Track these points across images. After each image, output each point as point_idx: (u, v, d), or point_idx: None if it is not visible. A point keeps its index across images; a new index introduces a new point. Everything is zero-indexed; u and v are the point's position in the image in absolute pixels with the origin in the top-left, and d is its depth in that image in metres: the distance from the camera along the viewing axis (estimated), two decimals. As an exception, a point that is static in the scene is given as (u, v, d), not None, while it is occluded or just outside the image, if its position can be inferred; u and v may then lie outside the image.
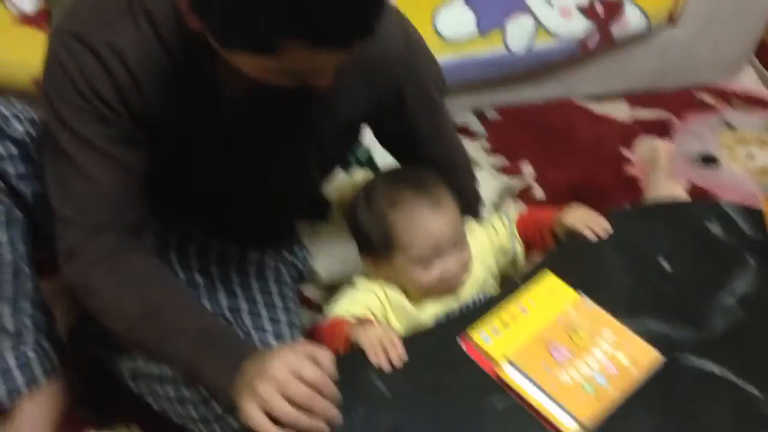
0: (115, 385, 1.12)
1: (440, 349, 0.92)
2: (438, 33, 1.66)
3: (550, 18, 1.70)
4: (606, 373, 0.87)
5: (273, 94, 0.86)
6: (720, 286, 0.99)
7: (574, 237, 1.06)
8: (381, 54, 0.96)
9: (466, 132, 1.83)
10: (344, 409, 0.82)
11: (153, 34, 0.87)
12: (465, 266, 1.05)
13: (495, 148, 1.80)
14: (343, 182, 1.69)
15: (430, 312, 1.04)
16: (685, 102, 1.95)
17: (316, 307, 1.45)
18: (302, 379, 0.80)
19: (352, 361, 0.90)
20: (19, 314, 1.10)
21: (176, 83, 0.90)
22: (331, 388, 0.82)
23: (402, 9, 1.02)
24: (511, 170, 1.75)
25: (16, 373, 1.10)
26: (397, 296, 1.05)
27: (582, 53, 1.78)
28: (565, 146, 1.82)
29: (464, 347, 0.91)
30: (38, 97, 0.92)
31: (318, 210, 1.62)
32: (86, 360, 1.19)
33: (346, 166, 1.71)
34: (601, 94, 1.94)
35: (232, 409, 0.89)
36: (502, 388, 0.87)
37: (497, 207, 1.64)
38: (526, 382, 0.86)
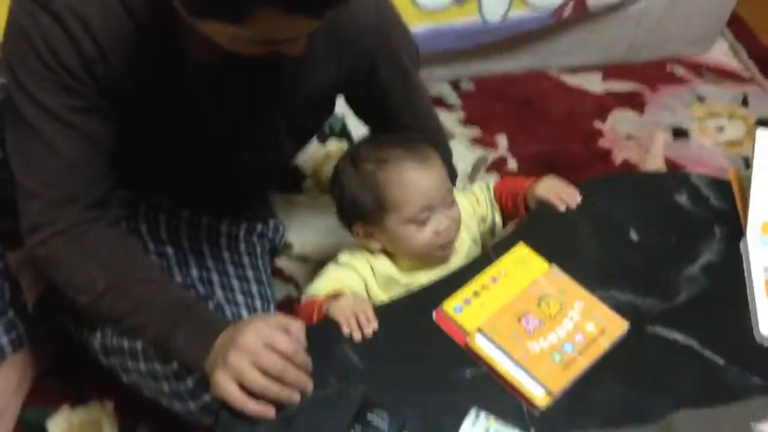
0: (86, 357, 1.11)
1: (412, 320, 0.92)
2: (414, 2, 1.64)
3: (525, -13, 1.69)
4: (574, 341, 0.88)
5: (242, 63, 0.85)
6: (687, 257, 1.00)
7: (545, 207, 1.06)
8: (352, 23, 0.95)
9: (441, 103, 1.83)
10: (317, 380, 0.83)
11: (118, 0, 0.84)
12: (456, 222, 1.05)
13: (469, 120, 1.80)
14: (317, 153, 1.68)
15: (422, 281, 1.03)
16: (657, 74, 1.96)
17: (290, 280, 1.45)
18: (274, 350, 0.80)
19: (324, 333, 0.90)
20: (-16, 286, 1.08)
21: (142, 52, 0.88)
22: (303, 358, 0.82)
23: (377, -23, 1.00)
24: (485, 141, 1.75)
25: (-18, 345, 1.08)
26: (385, 268, 1.05)
27: (556, 23, 1.77)
28: (539, 118, 1.82)
29: (435, 317, 0.92)
30: (-1, 64, 0.90)
31: (292, 181, 1.61)
32: (56, 332, 1.18)
33: (320, 137, 1.70)
34: (576, 66, 1.94)
35: (203, 382, 0.89)
36: (472, 357, 0.88)
37: (471, 178, 1.65)
38: (496, 351, 0.87)
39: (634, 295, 0.95)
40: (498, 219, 1.16)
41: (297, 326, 0.83)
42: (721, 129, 1.83)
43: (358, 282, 1.04)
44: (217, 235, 1.20)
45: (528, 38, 1.83)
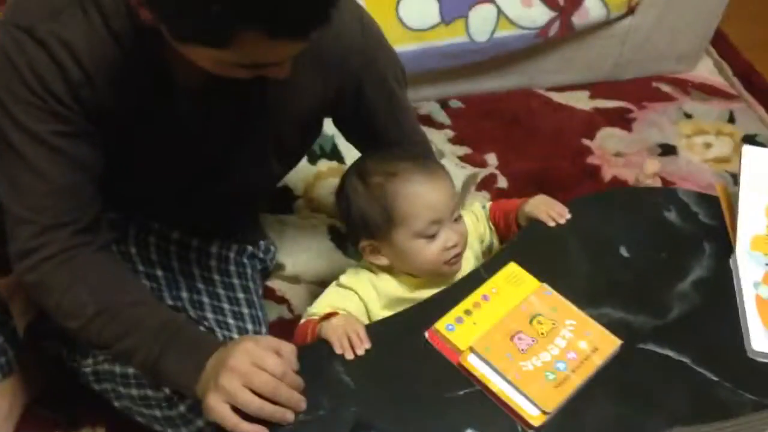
0: (79, 384, 1.10)
1: (404, 339, 0.92)
2: (401, 21, 1.66)
3: (512, 7, 1.71)
4: (567, 360, 0.88)
5: (228, 88, 0.85)
6: (677, 273, 1.00)
7: (536, 225, 1.07)
8: (338, 45, 0.95)
9: (430, 121, 1.83)
10: (309, 402, 0.82)
11: (103, 24, 0.84)
12: (464, 237, 1.04)
13: (458, 138, 1.81)
14: (308, 174, 1.68)
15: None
16: (644, 92, 1.97)
17: (283, 300, 1.44)
18: (265, 371, 0.79)
19: (317, 353, 0.89)
20: (-27, 312, 1.07)
21: (128, 77, 0.88)
22: (294, 378, 0.82)
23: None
24: (474, 159, 1.76)
25: (-28, 371, 1.07)
26: (389, 287, 1.05)
27: (543, 41, 1.79)
28: (527, 136, 1.83)
29: (427, 336, 0.92)
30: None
31: (283, 202, 1.61)
32: (47, 358, 1.16)
33: (311, 157, 1.70)
34: (563, 84, 1.96)
35: (195, 407, 0.88)
36: (465, 376, 0.87)
37: (461, 197, 1.65)
38: (489, 370, 0.87)
39: (626, 312, 0.95)
40: (495, 240, 1.16)
41: (288, 347, 0.83)
42: (708, 146, 1.84)
43: (357, 305, 1.03)
44: (207, 257, 1.20)
45: (515, 57, 1.84)
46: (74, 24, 0.84)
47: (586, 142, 1.82)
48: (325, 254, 1.53)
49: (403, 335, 0.93)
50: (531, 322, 0.92)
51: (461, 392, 0.86)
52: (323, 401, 0.84)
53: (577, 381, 0.86)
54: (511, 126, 1.85)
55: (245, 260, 1.26)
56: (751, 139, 1.85)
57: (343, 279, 1.07)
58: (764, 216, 1.05)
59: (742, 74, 2.02)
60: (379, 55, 1.04)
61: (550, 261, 1.02)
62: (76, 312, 0.88)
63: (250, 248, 1.29)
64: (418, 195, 1.00)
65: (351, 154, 1.67)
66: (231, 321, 1.13)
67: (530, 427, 0.83)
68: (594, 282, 1.00)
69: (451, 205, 1.02)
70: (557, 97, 1.94)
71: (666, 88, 2.00)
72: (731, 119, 1.91)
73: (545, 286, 0.96)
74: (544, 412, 0.83)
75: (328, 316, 0.96)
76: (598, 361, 0.88)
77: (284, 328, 1.37)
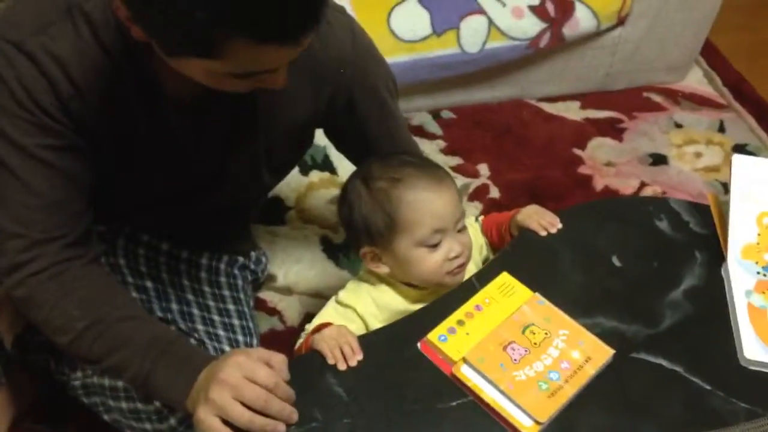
0: (67, 397, 1.09)
1: (397, 350, 0.92)
2: (393, 33, 1.67)
3: (503, 18, 1.72)
4: (560, 370, 0.88)
5: (219, 100, 0.85)
6: (669, 282, 1.01)
7: (527, 234, 1.07)
8: (329, 56, 0.95)
9: (422, 132, 1.84)
10: (301, 414, 0.81)
11: (92, 37, 0.84)
12: (468, 248, 1.03)
13: (450, 148, 1.82)
14: (300, 184, 1.68)
15: None
16: (634, 102, 1.99)
17: (275, 312, 1.44)
18: (256, 383, 0.79)
19: (309, 364, 0.89)
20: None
21: (118, 89, 0.87)
22: (285, 390, 0.81)
23: (357, 8, 1.01)
24: (466, 170, 1.76)
25: (-42, 385, 1.06)
26: (389, 299, 1.04)
27: (534, 52, 1.80)
28: (519, 146, 1.84)
29: (420, 347, 0.91)
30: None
31: (275, 213, 1.61)
32: (36, 371, 1.15)
33: (302, 168, 1.70)
34: (554, 95, 1.97)
35: (186, 421, 0.87)
36: (458, 387, 0.87)
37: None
38: (482, 380, 0.86)
39: (619, 321, 0.95)
40: (489, 254, 1.16)
41: (278, 359, 0.82)
42: (699, 155, 1.85)
43: (357, 325, 1.02)
44: (198, 269, 1.19)
45: (507, 68, 1.85)
46: (64, 37, 0.83)
47: (577, 151, 1.83)
48: (317, 265, 1.53)
49: (396, 346, 0.92)
50: (524, 331, 0.91)
51: (454, 403, 0.86)
52: (316, 413, 0.83)
53: (570, 391, 0.86)
54: (502, 136, 1.86)
55: (236, 271, 1.25)
56: (741, 149, 1.86)
57: (342, 295, 1.06)
58: (755, 225, 1.05)
59: (731, 84, 2.04)
60: (371, 65, 1.04)
61: (543, 271, 1.02)
62: (66, 327, 0.88)
63: (241, 259, 1.28)
64: (422, 202, 0.98)
65: (343, 165, 1.68)
66: (222, 333, 1.12)
67: (524, 437, 0.82)
68: (586, 291, 1.00)
69: (456, 214, 1.01)
70: (548, 107, 1.95)
71: (656, 98, 2.01)
72: (721, 129, 1.92)
73: (538, 295, 0.96)
74: (537, 423, 0.83)
75: (320, 328, 0.95)
76: (591, 370, 0.88)
77: (276, 340, 1.37)
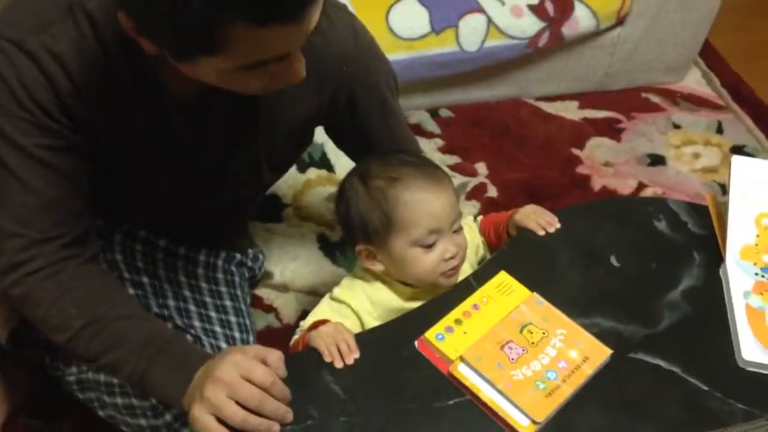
0: (62, 392, 1.09)
1: (394, 348, 0.91)
2: (391, 31, 1.66)
3: (502, 17, 1.72)
4: (558, 369, 0.87)
5: (220, 99, 0.84)
6: (668, 282, 1.00)
7: (525, 234, 1.06)
8: (330, 54, 0.95)
9: (420, 131, 1.84)
10: (297, 412, 0.81)
11: (93, 37, 0.83)
12: (463, 249, 1.03)
13: (448, 147, 1.81)
14: (297, 182, 1.68)
15: None
16: (633, 102, 1.99)
17: (271, 309, 1.43)
18: (252, 382, 0.78)
19: (305, 362, 0.89)
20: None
21: (118, 88, 0.86)
22: (281, 389, 0.81)
23: (356, 6, 1.01)
24: (464, 169, 1.76)
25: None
26: (384, 296, 1.04)
27: (533, 51, 1.80)
28: (517, 145, 1.84)
29: (418, 345, 0.91)
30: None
31: (272, 210, 1.61)
32: (30, 367, 1.15)
33: (300, 166, 1.70)
34: (553, 94, 1.97)
35: (181, 417, 0.87)
36: (455, 386, 0.87)
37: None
38: (479, 379, 0.86)
39: (617, 321, 0.95)
40: (487, 254, 1.15)
41: (274, 355, 0.82)
42: (697, 156, 1.85)
43: (352, 321, 1.01)
44: (195, 265, 1.19)
45: (505, 67, 1.85)
46: (64, 36, 0.82)
47: (575, 151, 1.83)
48: (313, 262, 1.53)
49: (393, 344, 0.92)
50: (521, 331, 0.91)
51: (451, 401, 0.86)
52: (312, 411, 0.83)
53: (567, 391, 0.86)
54: (501, 135, 1.86)
55: (233, 268, 1.25)
56: (739, 150, 1.86)
57: (337, 292, 1.05)
58: (754, 225, 1.05)
59: (730, 85, 2.04)
60: (373, 63, 1.03)
61: (541, 270, 1.01)
62: (63, 325, 0.87)
63: (238, 256, 1.28)
64: (419, 202, 0.98)
65: (340, 162, 1.68)
66: (218, 329, 1.12)
67: (521, 437, 0.82)
68: (584, 291, 0.99)
69: (452, 215, 1.01)
70: (547, 107, 1.95)
71: (655, 98, 2.01)
72: (719, 130, 1.93)
73: (536, 295, 0.96)
74: (534, 422, 0.83)
75: (316, 325, 0.95)
76: (588, 370, 0.88)
77: (272, 337, 1.36)
